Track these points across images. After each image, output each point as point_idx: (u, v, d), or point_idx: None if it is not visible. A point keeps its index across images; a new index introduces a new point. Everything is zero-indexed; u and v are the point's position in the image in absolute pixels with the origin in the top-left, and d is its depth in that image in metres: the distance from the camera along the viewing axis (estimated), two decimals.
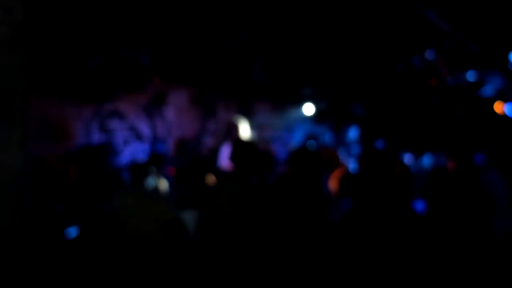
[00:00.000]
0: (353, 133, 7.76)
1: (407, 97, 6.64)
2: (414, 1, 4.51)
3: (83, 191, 3.71)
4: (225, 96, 6.64)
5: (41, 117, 4.49)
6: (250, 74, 6.12)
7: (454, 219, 3.43)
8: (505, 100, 5.77)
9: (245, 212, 2.78)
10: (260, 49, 5.76)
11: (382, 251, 2.30)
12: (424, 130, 6.64)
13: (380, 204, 2.42)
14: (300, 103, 7.36)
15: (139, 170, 3.25)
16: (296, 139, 7.57)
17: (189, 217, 3.36)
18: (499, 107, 5.76)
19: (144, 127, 5.67)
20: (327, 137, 7.70)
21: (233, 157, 2.99)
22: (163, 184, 3.60)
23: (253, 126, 6.85)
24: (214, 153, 5.78)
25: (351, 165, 5.23)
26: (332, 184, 3.27)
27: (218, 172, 4.83)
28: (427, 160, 5.70)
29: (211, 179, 4.22)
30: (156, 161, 3.76)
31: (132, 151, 5.46)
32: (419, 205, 4.03)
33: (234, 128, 4.95)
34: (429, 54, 5.77)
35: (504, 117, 5.75)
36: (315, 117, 7.56)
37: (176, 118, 6.09)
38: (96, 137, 5.09)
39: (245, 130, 4.98)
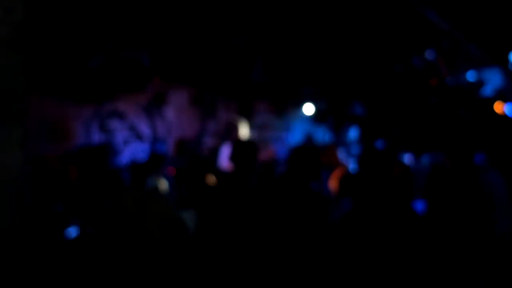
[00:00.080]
0: (353, 133, 7.76)
1: (407, 97, 6.63)
2: (414, 1, 4.51)
3: (83, 191, 3.71)
4: (225, 96, 6.64)
5: (41, 117, 4.49)
6: (250, 74, 6.12)
7: (454, 219, 3.43)
8: (505, 100, 5.76)
9: (245, 212, 2.78)
10: (260, 49, 5.76)
11: (382, 251, 2.30)
12: (424, 130, 6.64)
13: (380, 204, 2.42)
14: (300, 103, 7.36)
15: (139, 170, 3.25)
16: (296, 139, 7.57)
17: (189, 217, 3.36)
18: (499, 107, 5.75)
19: (144, 127, 5.68)
20: (327, 137, 7.70)
21: (233, 157, 2.99)
22: (163, 184, 3.60)
23: (253, 126, 6.86)
24: (214, 153, 5.78)
25: (351, 165, 5.23)
26: (332, 184, 3.27)
27: (218, 172, 4.83)
28: (425, 160, 5.70)
29: (211, 179, 4.22)
30: (156, 161, 3.76)
31: (132, 151, 5.46)
32: (419, 205, 4.03)
33: (234, 128, 4.96)
34: (429, 54, 5.77)
35: (504, 117, 5.74)
36: (315, 117, 7.56)
37: (176, 118, 6.09)
38: (96, 137, 5.09)
39: (245, 130, 4.99)
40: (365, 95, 7.32)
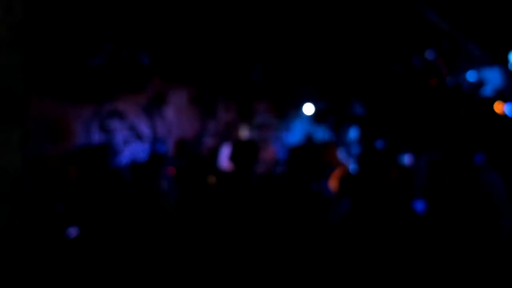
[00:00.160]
0: (353, 133, 7.76)
1: (407, 97, 6.63)
2: (414, 1, 4.51)
3: (83, 191, 3.71)
4: (225, 96, 6.64)
5: (41, 117, 4.49)
6: (250, 74, 6.13)
7: (453, 219, 3.43)
8: (505, 100, 5.77)
9: (244, 212, 2.78)
10: (260, 49, 5.76)
11: (382, 251, 2.30)
12: (424, 130, 6.64)
13: (380, 204, 2.42)
14: (300, 103, 7.36)
15: (139, 170, 3.25)
16: (296, 139, 7.58)
17: (188, 216, 3.36)
18: (499, 107, 5.75)
19: (144, 127, 5.68)
20: (327, 137, 7.70)
21: (233, 157, 2.99)
22: (163, 184, 3.60)
23: (253, 126, 6.86)
24: (214, 153, 5.79)
25: (351, 165, 5.23)
26: (332, 184, 3.27)
27: (218, 172, 4.83)
28: (425, 160, 5.70)
29: (211, 179, 4.22)
30: (156, 161, 3.76)
31: (132, 151, 5.46)
32: (419, 205, 4.03)
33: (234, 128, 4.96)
34: (429, 54, 5.77)
35: (504, 117, 5.74)
36: (315, 117, 7.56)
37: (176, 118, 6.09)
38: (96, 137, 5.09)
39: (244, 131, 4.99)
40: (365, 95, 7.32)
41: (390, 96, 6.92)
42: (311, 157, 2.92)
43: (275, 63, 6.25)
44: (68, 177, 3.33)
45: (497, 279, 3.26)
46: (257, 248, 2.70)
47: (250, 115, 7.01)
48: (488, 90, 5.96)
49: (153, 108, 5.78)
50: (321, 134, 7.71)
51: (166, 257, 3.00)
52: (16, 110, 1.58)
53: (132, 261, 2.95)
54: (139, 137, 5.60)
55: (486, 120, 5.92)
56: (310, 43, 5.68)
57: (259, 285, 2.66)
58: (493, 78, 5.90)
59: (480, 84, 5.93)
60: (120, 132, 5.38)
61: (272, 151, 6.33)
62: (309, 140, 7.31)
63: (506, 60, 5.44)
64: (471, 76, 5.93)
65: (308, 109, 7.31)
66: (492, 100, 5.84)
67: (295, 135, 7.67)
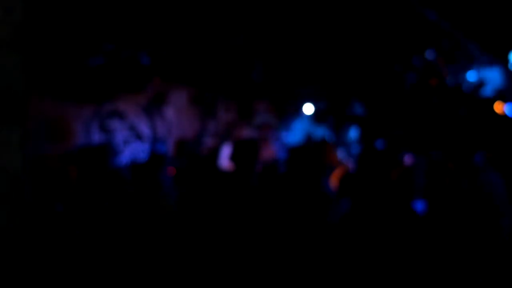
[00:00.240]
0: (353, 133, 7.76)
1: (407, 97, 6.63)
2: (414, 1, 4.51)
3: (83, 191, 3.71)
4: (225, 96, 6.64)
5: (41, 117, 4.49)
6: (250, 74, 6.12)
7: (454, 219, 3.43)
8: (505, 100, 5.76)
9: (245, 212, 2.78)
10: (260, 49, 5.76)
11: (382, 251, 2.30)
12: (424, 130, 6.64)
13: (380, 204, 2.42)
14: (300, 103, 7.35)
15: (139, 170, 3.25)
16: (296, 138, 7.58)
17: (188, 216, 3.36)
18: (499, 107, 5.76)
19: (144, 127, 5.67)
20: (327, 137, 7.70)
21: (234, 157, 2.99)
22: (163, 184, 3.60)
23: (253, 126, 6.86)
24: (214, 153, 5.78)
25: (351, 165, 5.23)
26: (332, 183, 3.27)
27: (218, 172, 4.82)
28: (425, 160, 5.69)
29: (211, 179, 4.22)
30: (156, 161, 3.75)
31: (132, 151, 5.46)
32: (419, 205, 4.03)
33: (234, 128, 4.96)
34: (429, 54, 5.77)
35: (504, 117, 5.74)
36: (315, 117, 7.55)
37: (176, 118, 6.09)
38: (96, 137, 5.09)
39: (245, 131, 4.99)
40: (365, 95, 7.32)
41: (390, 96, 6.92)
42: (310, 156, 2.93)
43: (275, 63, 6.24)
44: (68, 177, 3.33)
45: (497, 279, 3.26)
46: (257, 247, 2.70)
47: (250, 115, 7.01)
48: (488, 90, 5.96)
49: (153, 108, 5.77)
50: (321, 134, 7.71)
51: (166, 257, 3.00)
52: (16, 110, 1.58)
53: (132, 261, 2.94)
54: (139, 137, 5.60)
55: (486, 120, 5.92)
56: (310, 43, 5.67)
57: (259, 284, 2.66)
58: (493, 78, 5.90)
59: (480, 84, 5.93)
60: (120, 132, 5.38)
61: (272, 151, 6.33)
62: (309, 140, 7.31)
63: (506, 60, 5.44)
64: (471, 76, 5.93)
65: (308, 109, 7.31)
66: (492, 100, 5.84)
67: (295, 135, 7.67)
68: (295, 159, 2.92)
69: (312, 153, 2.96)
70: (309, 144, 6.52)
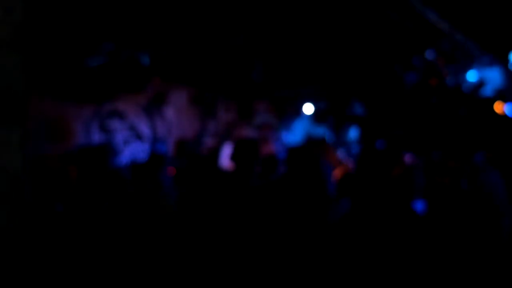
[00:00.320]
0: (353, 133, 7.76)
1: (407, 97, 6.63)
2: (414, 1, 4.51)
3: (83, 191, 3.70)
4: (225, 96, 6.64)
5: (41, 117, 4.49)
6: (250, 74, 6.13)
7: (454, 219, 3.43)
8: (505, 100, 5.77)
9: (245, 212, 2.78)
10: (260, 49, 5.76)
11: (382, 251, 2.30)
12: (424, 130, 6.64)
13: (380, 204, 2.42)
14: (300, 103, 7.36)
15: (139, 170, 3.25)
16: (296, 138, 7.58)
17: (188, 216, 3.36)
18: (499, 107, 5.76)
19: (144, 127, 5.67)
20: (327, 137, 7.70)
21: (234, 157, 2.99)
22: (163, 184, 3.59)
23: (253, 126, 6.86)
24: (214, 153, 5.78)
25: (351, 165, 5.22)
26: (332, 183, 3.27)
27: (218, 172, 4.83)
28: (425, 160, 5.70)
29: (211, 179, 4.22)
30: (156, 161, 3.76)
31: (132, 151, 5.46)
32: (419, 205, 4.03)
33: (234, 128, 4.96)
34: (429, 54, 5.77)
35: (504, 117, 5.75)
36: (315, 117, 7.56)
37: (176, 118, 6.09)
38: (96, 137, 5.09)
39: (245, 131, 4.99)
40: (365, 95, 7.33)
41: (390, 96, 6.92)
42: (308, 155, 2.92)
43: (275, 63, 6.25)
44: (68, 177, 3.33)
45: (497, 279, 3.26)
46: (257, 248, 2.70)
47: (250, 115, 7.01)
48: (488, 90, 5.96)
49: (153, 108, 5.78)
50: (321, 134, 7.72)
51: (166, 257, 3.00)
52: (16, 110, 1.58)
53: (132, 261, 2.94)
54: (139, 137, 5.60)
55: (486, 120, 5.92)
56: (310, 43, 5.67)
57: (259, 285, 2.66)
58: (493, 78, 5.90)
59: (480, 84, 5.93)
60: (120, 132, 5.38)
61: (272, 151, 6.34)
62: (309, 140, 7.31)
63: (506, 60, 5.45)
64: (471, 76, 5.93)
65: (308, 109, 7.32)
66: (492, 100, 5.85)
67: (295, 135, 7.67)
68: (294, 159, 2.91)
69: (310, 152, 2.96)
70: (308, 144, 6.52)
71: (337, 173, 3.30)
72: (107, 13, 4.28)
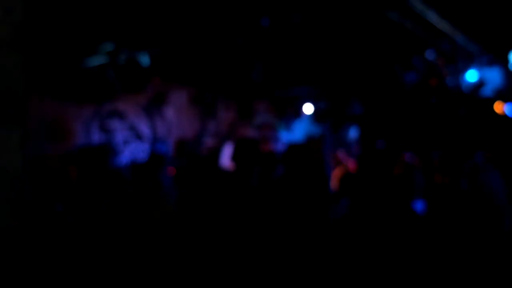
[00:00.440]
0: (353, 133, 7.76)
1: (407, 97, 6.63)
2: (414, 1, 4.51)
3: (83, 191, 3.71)
4: (225, 96, 6.64)
5: (41, 117, 4.49)
6: (250, 74, 6.12)
7: (453, 219, 3.43)
8: (505, 100, 5.77)
9: (246, 211, 2.78)
10: (260, 49, 5.76)
11: (382, 250, 2.30)
12: (424, 130, 6.64)
13: (380, 204, 2.42)
14: (300, 103, 7.36)
15: (139, 170, 3.25)
16: (296, 138, 7.58)
17: (188, 216, 3.36)
18: (499, 107, 5.76)
19: (144, 127, 5.67)
20: (326, 136, 7.70)
21: (235, 157, 2.99)
22: (163, 184, 3.60)
23: (253, 126, 6.86)
24: (214, 153, 5.78)
25: (351, 165, 5.22)
26: (332, 183, 3.27)
27: (218, 172, 4.82)
28: (425, 160, 5.70)
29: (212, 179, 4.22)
30: (156, 161, 3.76)
31: (132, 151, 5.46)
32: (419, 205, 4.03)
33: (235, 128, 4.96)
34: (429, 54, 5.77)
35: (504, 117, 5.75)
36: (315, 117, 7.56)
37: (176, 118, 6.09)
38: (96, 137, 5.09)
39: (245, 130, 4.99)
40: (365, 95, 7.33)
41: (390, 96, 6.92)
42: (305, 154, 2.92)
43: (275, 63, 6.24)
44: (68, 177, 3.33)
45: (497, 279, 3.26)
46: (257, 247, 2.70)
47: (250, 115, 7.01)
48: (488, 90, 5.96)
49: (153, 108, 5.78)
50: (321, 134, 7.72)
51: (166, 257, 3.00)
52: (16, 110, 1.58)
53: (132, 261, 2.94)
54: (139, 137, 5.60)
55: (486, 120, 5.92)
56: (310, 43, 5.67)
57: (259, 284, 2.66)
58: (493, 78, 5.90)
59: (480, 84, 5.93)
60: (120, 132, 5.38)
61: (272, 151, 6.33)
62: (308, 140, 7.31)
63: (506, 60, 5.45)
64: (471, 76, 5.93)
65: (308, 109, 7.32)
66: (492, 100, 5.85)
67: (295, 135, 7.67)
68: (291, 157, 2.91)
69: (306, 151, 2.96)
70: (306, 142, 6.53)
71: (337, 173, 3.30)
72: (106, 13, 4.28)
